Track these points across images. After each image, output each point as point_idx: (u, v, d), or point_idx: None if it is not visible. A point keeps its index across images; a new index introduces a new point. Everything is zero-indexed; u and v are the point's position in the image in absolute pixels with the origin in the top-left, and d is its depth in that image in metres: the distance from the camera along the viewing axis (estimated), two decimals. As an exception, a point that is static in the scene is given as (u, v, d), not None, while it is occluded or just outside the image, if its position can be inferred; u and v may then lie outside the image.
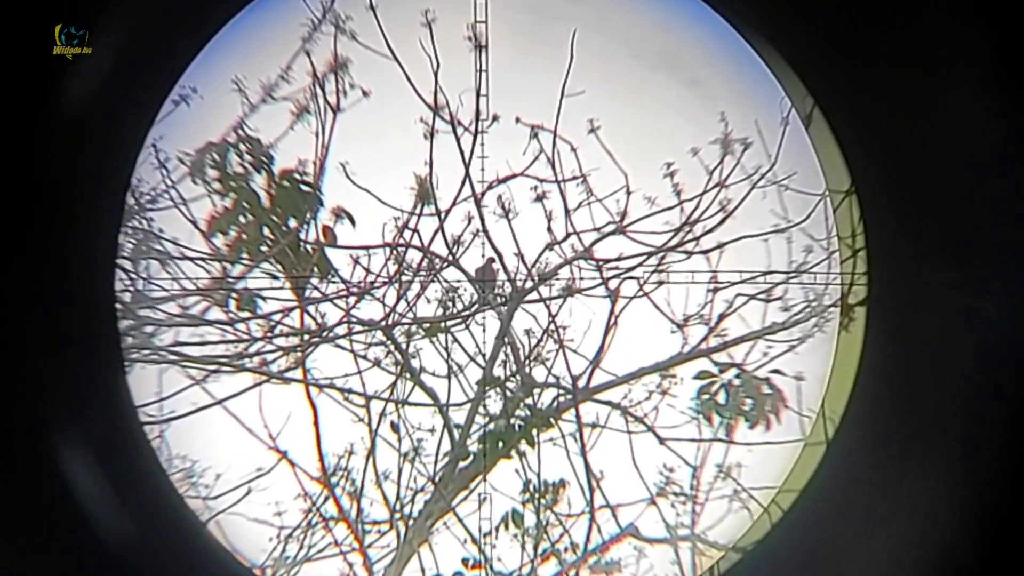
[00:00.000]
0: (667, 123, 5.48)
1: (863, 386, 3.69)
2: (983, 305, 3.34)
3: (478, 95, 5.53)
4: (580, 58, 5.45)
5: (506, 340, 5.80)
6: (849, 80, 3.36)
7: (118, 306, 3.77)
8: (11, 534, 3.30)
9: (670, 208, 5.74)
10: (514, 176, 5.70)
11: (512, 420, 5.77)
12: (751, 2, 3.55)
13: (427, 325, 5.79)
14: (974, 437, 3.34)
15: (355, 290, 5.71)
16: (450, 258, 5.74)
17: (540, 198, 5.73)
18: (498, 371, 5.80)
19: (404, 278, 5.71)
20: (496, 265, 5.74)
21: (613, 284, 5.77)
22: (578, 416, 5.81)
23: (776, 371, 5.76)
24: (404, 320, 5.77)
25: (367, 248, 5.69)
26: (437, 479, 5.78)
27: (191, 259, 5.55)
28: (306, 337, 5.75)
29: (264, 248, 5.63)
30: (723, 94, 5.44)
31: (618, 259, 5.77)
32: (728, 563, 5.51)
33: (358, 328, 5.77)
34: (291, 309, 5.72)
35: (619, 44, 5.38)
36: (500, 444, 5.76)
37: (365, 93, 5.58)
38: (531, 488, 5.79)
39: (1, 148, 3.26)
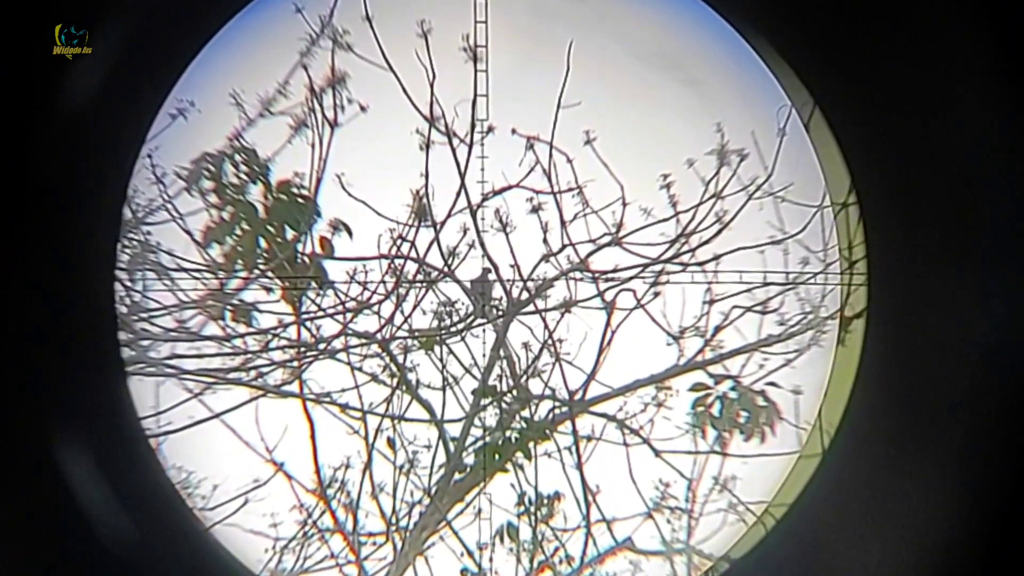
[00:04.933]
0: (665, 130, 5.49)
1: (860, 397, 3.68)
2: (983, 313, 3.34)
3: (476, 97, 5.54)
4: (579, 60, 5.47)
5: (502, 352, 5.80)
6: (849, 80, 3.36)
7: (118, 314, 3.77)
8: (14, 539, 3.30)
9: (666, 219, 5.75)
10: (510, 187, 5.71)
11: (508, 433, 5.76)
12: (751, 2, 3.56)
13: (423, 338, 5.79)
14: (972, 448, 3.34)
15: (351, 304, 5.71)
16: (446, 270, 5.74)
17: (536, 209, 5.74)
18: (494, 384, 5.80)
19: (400, 290, 5.70)
20: (492, 277, 5.74)
21: (609, 296, 5.77)
22: (574, 429, 5.81)
23: (772, 383, 5.76)
24: (400, 333, 5.77)
25: (363, 260, 5.68)
26: (433, 492, 5.77)
27: (187, 270, 5.54)
28: (303, 350, 5.75)
29: (261, 261, 5.63)
30: (722, 95, 5.46)
31: (614, 271, 5.77)
32: (721, 573, 5.52)
33: (354, 341, 5.77)
34: (288, 324, 5.71)
35: (618, 44, 5.40)
36: (496, 457, 5.75)
37: (363, 108, 5.59)
38: (527, 501, 5.78)
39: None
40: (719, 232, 5.73)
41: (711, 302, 5.77)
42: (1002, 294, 3.29)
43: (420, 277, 5.74)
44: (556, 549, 5.82)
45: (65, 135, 3.32)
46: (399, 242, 5.71)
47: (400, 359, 5.79)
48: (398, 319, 5.75)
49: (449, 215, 5.70)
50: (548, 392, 5.85)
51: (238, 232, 5.61)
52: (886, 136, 3.37)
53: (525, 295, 5.78)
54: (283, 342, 5.74)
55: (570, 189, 5.73)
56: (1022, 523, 3.21)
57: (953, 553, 3.27)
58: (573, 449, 5.81)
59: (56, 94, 3.32)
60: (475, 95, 5.53)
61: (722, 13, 3.74)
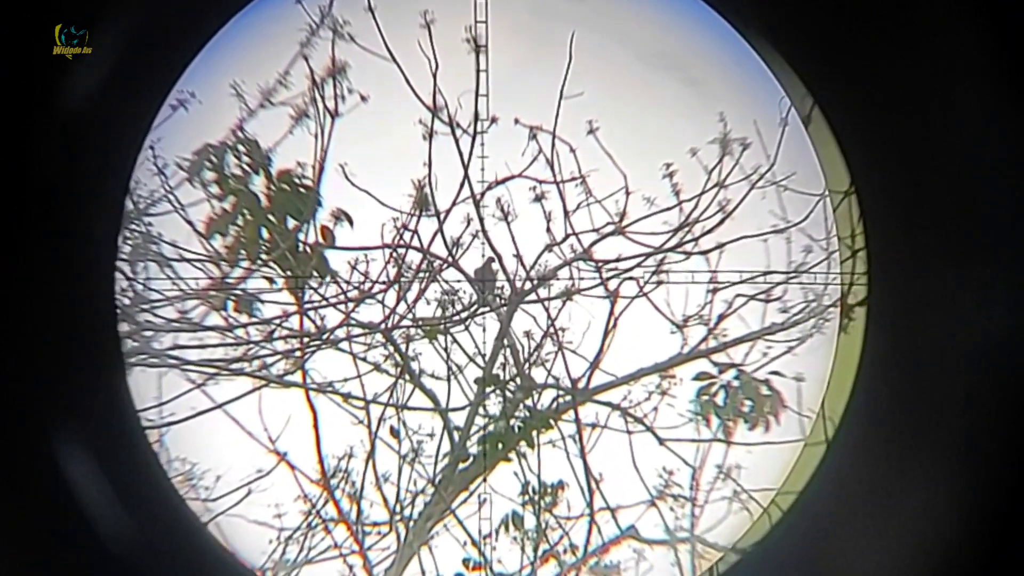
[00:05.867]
0: (666, 123, 5.48)
1: (863, 386, 3.68)
2: (983, 305, 3.34)
3: (477, 95, 5.54)
4: (580, 58, 5.46)
5: (505, 342, 5.80)
6: (849, 79, 3.36)
7: (119, 307, 3.77)
8: (12, 535, 3.30)
9: (669, 209, 5.75)
10: (513, 177, 5.70)
11: (512, 422, 5.76)
12: (751, 2, 3.55)
13: (427, 327, 5.79)
14: (974, 436, 3.34)
15: (354, 293, 5.71)
16: (449, 259, 5.74)
17: (539, 199, 5.74)
18: (498, 372, 5.80)
19: (403, 280, 5.71)
20: (495, 266, 5.75)
21: (612, 285, 5.77)
22: (577, 417, 5.81)
23: (775, 372, 5.76)
24: (404, 322, 5.77)
25: (366, 249, 5.69)
26: (437, 481, 5.77)
27: (189, 261, 5.55)
28: (305, 340, 5.75)
29: (263, 251, 5.63)
30: (722, 93, 5.45)
31: (617, 260, 5.77)
32: (728, 564, 5.52)
33: (357, 331, 5.77)
34: (291, 314, 5.72)
35: (619, 44, 5.39)
36: (500, 446, 5.76)
37: (363, 98, 5.58)
38: (531, 490, 5.79)
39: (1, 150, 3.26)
40: (722, 221, 5.73)
41: (714, 291, 5.77)
42: (1002, 293, 3.29)
43: (424, 266, 5.74)
44: (560, 538, 5.82)
45: (66, 131, 3.33)
46: (402, 231, 5.71)
47: (403, 348, 5.79)
48: (401, 308, 5.76)
49: (453, 204, 5.70)
50: (551, 380, 5.85)
51: (239, 222, 5.61)
52: (886, 136, 3.37)
53: (528, 284, 5.77)
54: (285, 332, 5.74)
55: (573, 179, 5.73)
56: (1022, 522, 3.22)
57: (955, 540, 3.27)
58: (576, 438, 5.81)
59: (57, 91, 3.32)
60: (476, 94, 5.53)
61: (722, 13, 3.74)
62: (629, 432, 5.83)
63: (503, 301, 5.80)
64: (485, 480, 5.77)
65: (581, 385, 5.85)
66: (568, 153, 5.67)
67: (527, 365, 5.83)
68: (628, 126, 5.51)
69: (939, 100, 3.24)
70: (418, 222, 5.70)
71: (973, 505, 3.28)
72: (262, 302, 5.68)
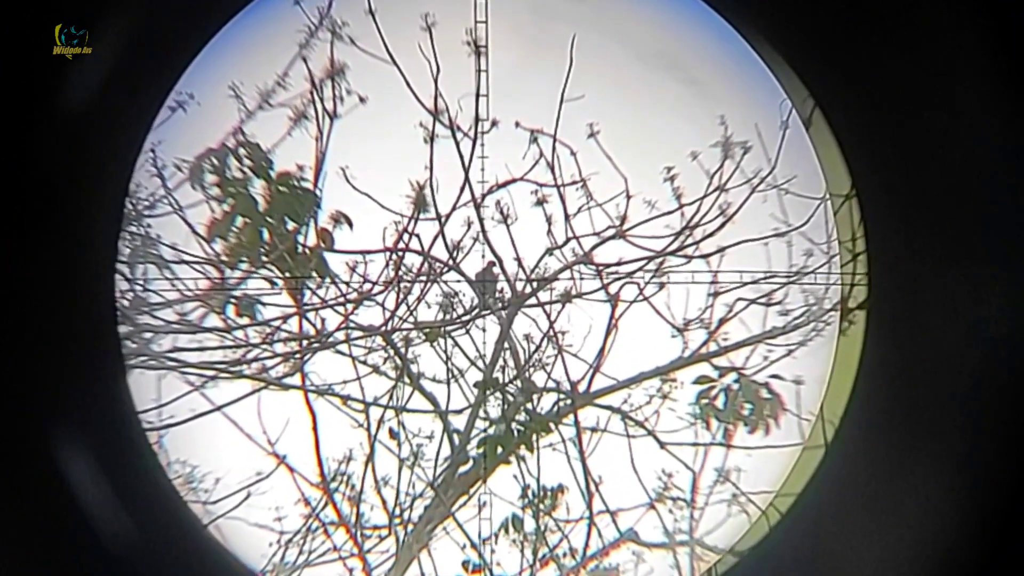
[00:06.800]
0: (667, 126, 5.48)
1: (862, 389, 3.68)
2: (983, 306, 3.35)
3: (478, 96, 5.54)
4: (580, 59, 5.47)
5: (506, 345, 5.80)
6: (849, 81, 3.37)
7: (118, 309, 3.77)
8: (12, 537, 3.30)
9: (670, 212, 5.75)
10: (514, 180, 5.71)
11: (512, 425, 5.75)
12: (751, 2, 3.56)
13: (427, 330, 5.79)
14: (974, 438, 3.35)
15: (353, 295, 5.71)
16: (450, 263, 5.74)
17: (540, 202, 5.74)
18: (498, 376, 5.79)
19: (404, 283, 5.70)
20: (496, 269, 5.74)
21: (613, 288, 5.77)
22: (577, 421, 5.80)
23: (775, 376, 5.75)
24: (404, 325, 5.77)
25: (366, 252, 5.69)
26: (437, 484, 5.77)
27: (189, 263, 5.54)
28: (305, 343, 5.75)
29: (263, 253, 5.63)
30: (723, 95, 5.45)
31: (618, 263, 5.77)
32: (727, 566, 5.51)
33: (357, 334, 5.77)
34: (290, 315, 5.71)
35: (619, 44, 5.39)
36: (499, 449, 5.75)
37: (362, 99, 5.59)
38: (530, 493, 5.78)
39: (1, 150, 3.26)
40: (723, 225, 5.73)
41: (715, 294, 5.77)
42: (1002, 293, 3.30)
43: (424, 269, 5.74)
44: (560, 541, 5.81)
45: (66, 131, 3.33)
46: (403, 234, 5.71)
47: (403, 351, 5.78)
48: (402, 311, 5.76)
49: (454, 208, 5.70)
50: (552, 384, 5.84)
51: (238, 224, 5.61)
52: (886, 137, 3.37)
53: (529, 288, 5.77)
54: (284, 334, 5.74)
55: (574, 182, 5.73)
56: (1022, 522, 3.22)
57: (955, 543, 3.28)
58: (576, 441, 5.80)
59: (57, 91, 3.32)
60: (477, 95, 5.54)
61: (722, 13, 3.74)
62: (629, 435, 5.83)
63: (503, 304, 5.80)
64: (485, 483, 5.76)
65: (581, 388, 5.84)
66: (569, 156, 5.68)
67: (527, 368, 5.83)
68: (629, 129, 5.51)
69: (939, 100, 3.24)
70: (416, 223, 5.70)
71: (973, 505, 3.28)
72: (262, 304, 5.67)
